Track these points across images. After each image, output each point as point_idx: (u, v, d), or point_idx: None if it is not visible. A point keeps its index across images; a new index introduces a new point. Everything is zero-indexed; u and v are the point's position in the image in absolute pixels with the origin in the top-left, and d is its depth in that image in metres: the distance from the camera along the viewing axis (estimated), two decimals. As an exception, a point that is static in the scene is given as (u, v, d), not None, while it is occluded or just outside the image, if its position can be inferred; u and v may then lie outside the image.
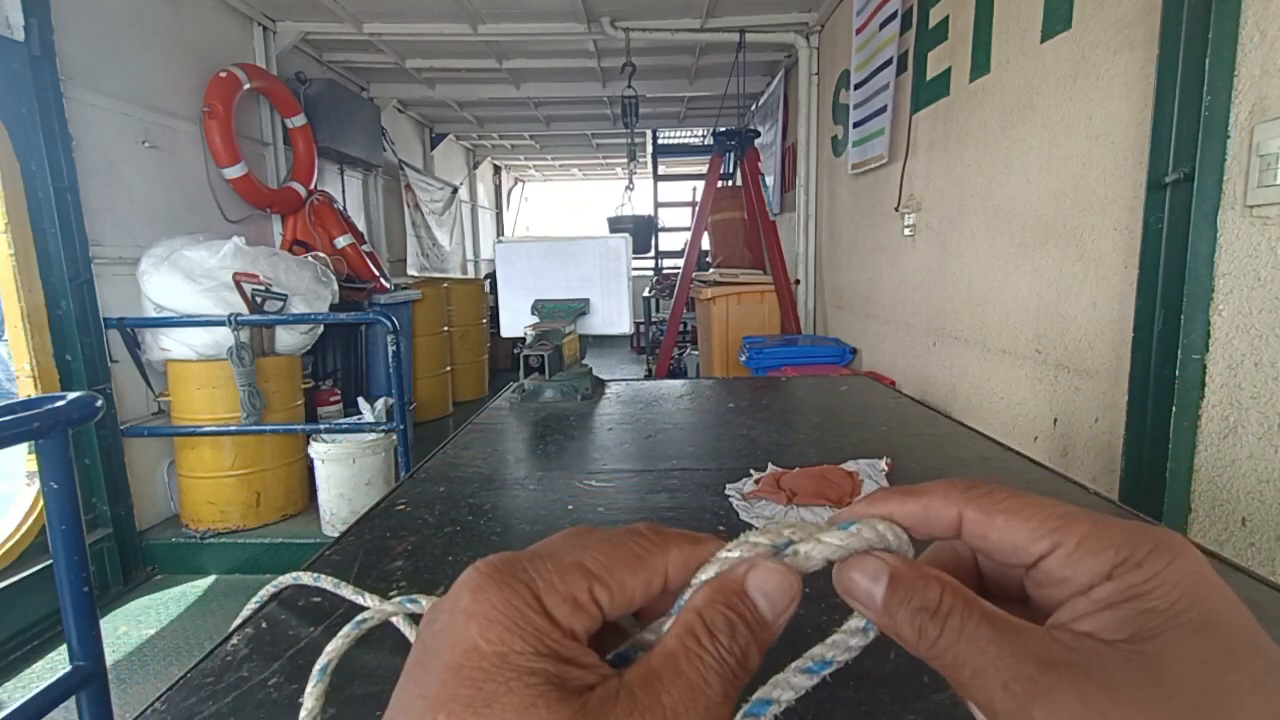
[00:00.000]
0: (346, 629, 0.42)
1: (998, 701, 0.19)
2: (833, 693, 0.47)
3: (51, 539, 1.23)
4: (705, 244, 5.34)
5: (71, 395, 1.24)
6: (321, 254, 3.92)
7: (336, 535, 0.78)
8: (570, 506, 0.84)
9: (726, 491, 0.86)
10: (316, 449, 2.97)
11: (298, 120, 4.23)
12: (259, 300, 3.00)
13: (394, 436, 3.07)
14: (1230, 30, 1.29)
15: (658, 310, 7.53)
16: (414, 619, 0.55)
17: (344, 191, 5.19)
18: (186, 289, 2.85)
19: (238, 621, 0.60)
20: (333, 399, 3.76)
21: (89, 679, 1.26)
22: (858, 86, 3.40)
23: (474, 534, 0.77)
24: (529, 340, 1.44)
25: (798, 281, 4.61)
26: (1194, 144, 1.35)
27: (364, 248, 4.59)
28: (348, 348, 4.05)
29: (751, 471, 0.92)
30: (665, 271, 8.59)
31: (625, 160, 7.70)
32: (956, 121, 2.50)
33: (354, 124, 4.88)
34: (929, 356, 2.79)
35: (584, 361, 1.62)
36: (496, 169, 10.44)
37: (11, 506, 2.60)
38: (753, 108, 6.36)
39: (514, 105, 6.60)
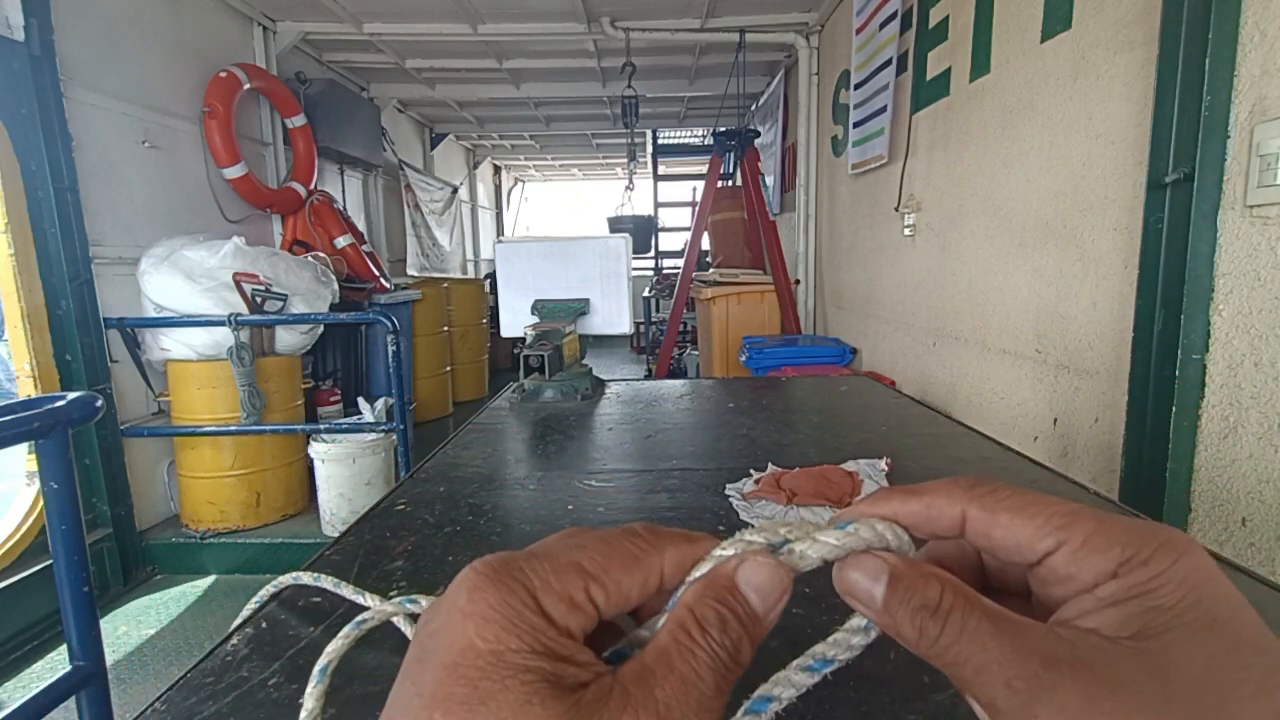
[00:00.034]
0: (346, 629, 0.42)
1: (1001, 699, 0.19)
2: (833, 693, 0.47)
3: (51, 539, 1.23)
4: (705, 244, 5.34)
5: (71, 395, 1.24)
6: (321, 254, 3.92)
7: (336, 535, 0.78)
8: (570, 506, 0.84)
9: (726, 491, 0.86)
10: (316, 449, 2.97)
11: (298, 120, 4.23)
12: (259, 300, 3.00)
13: (394, 436, 3.07)
14: (1230, 30, 1.29)
15: (658, 310, 7.53)
16: (414, 619, 0.55)
17: (344, 191, 5.19)
18: (186, 289, 2.85)
19: (238, 621, 0.60)
20: (333, 399, 3.76)
21: (89, 679, 1.26)
22: (858, 86, 3.40)
23: (474, 534, 0.77)
24: (529, 340, 1.44)
25: (798, 281, 4.61)
26: (1194, 144, 1.35)
27: (364, 248, 4.59)
28: (348, 348, 4.05)
29: (751, 471, 0.92)
30: (665, 271, 8.59)
31: (625, 160, 7.70)
32: (956, 121, 2.50)
33: (354, 124, 4.88)
34: (929, 356, 2.79)
35: (584, 361, 1.62)
36: (496, 169, 10.44)
37: (11, 506, 2.60)
38: (753, 108, 6.36)
39: (514, 105, 6.60)
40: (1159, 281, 1.45)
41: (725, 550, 0.23)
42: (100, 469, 2.81)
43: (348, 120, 4.77)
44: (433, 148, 7.44)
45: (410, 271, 6.42)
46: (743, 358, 3.77)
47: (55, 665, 2.34)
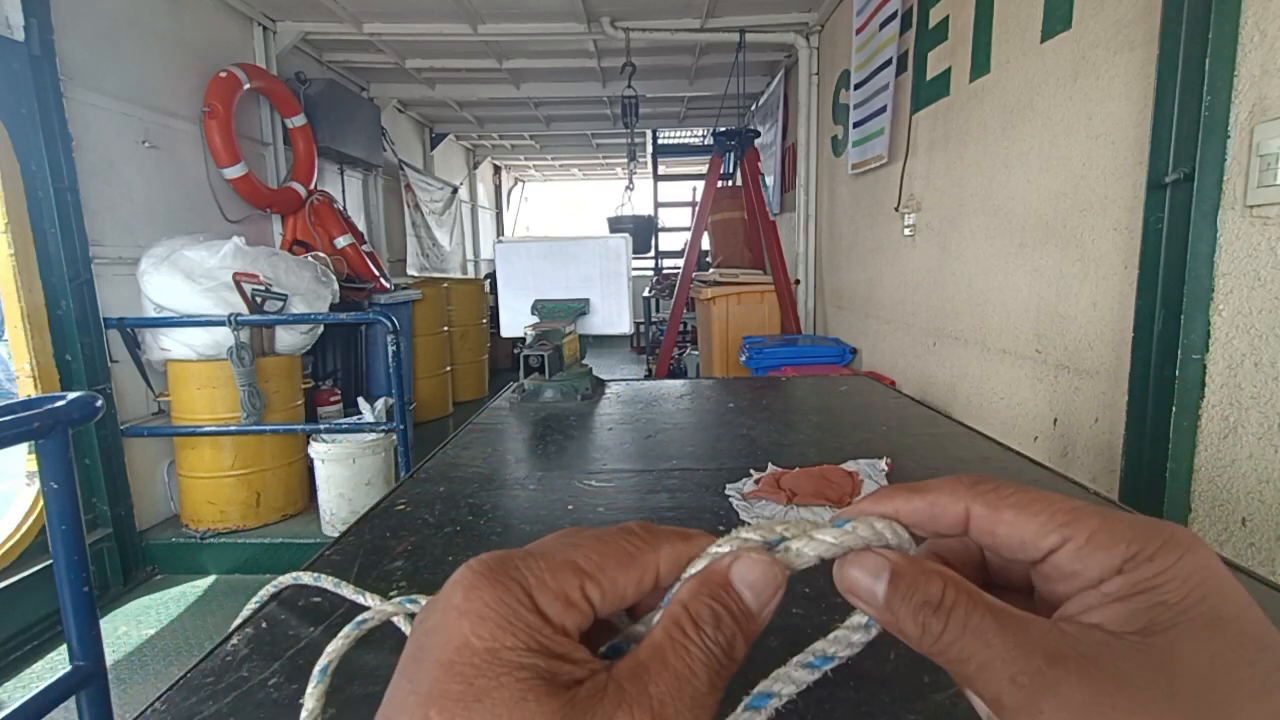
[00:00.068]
0: (347, 629, 0.42)
1: (1005, 695, 0.19)
2: (833, 692, 0.47)
3: (51, 539, 1.23)
4: (705, 244, 5.34)
5: (71, 395, 1.24)
6: (321, 254, 3.92)
7: (336, 535, 0.78)
8: (570, 506, 0.84)
9: (726, 491, 0.86)
10: (316, 449, 2.97)
11: (298, 120, 4.23)
12: (259, 300, 3.00)
13: (394, 436, 3.07)
14: (1230, 30, 1.29)
15: (658, 310, 7.53)
16: (414, 619, 0.55)
17: (344, 191, 5.19)
18: (186, 289, 2.85)
19: (238, 621, 0.60)
20: (333, 399, 3.76)
21: (89, 679, 1.26)
22: (858, 86, 3.40)
23: (474, 534, 0.77)
24: (529, 340, 1.44)
25: (798, 281, 4.61)
26: (1194, 144, 1.35)
27: (364, 248, 4.59)
28: (348, 348, 4.05)
29: (751, 471, 0.92)
30: (665, 271, 8.59)
31: (625, 160, 7.70)
32: (956, 121, 2.50)
33: (354, 124, 4.88)
34: (929, 356, 2.79)
35: (584, 361, 1.62)
36: (496, 169, 10.44)
37: (11, 506, 2.60)
38: (753, 108, 6.36)
39: (514, 105, 6.60)
40: (1159, 281, 1.45)
41: (721, 548, 0.23)
42: (100, 469, 2.81)
43: (348, 120, 4.77)
44: (433, 148, 7.44)
45: (410, 271, 6.42)
46: (743, 358, 3.77)
47: (55, 665, 2.34)
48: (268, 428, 3.01)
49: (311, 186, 4.33)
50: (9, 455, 2.06)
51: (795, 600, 0.59)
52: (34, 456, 2.00)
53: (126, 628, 2.54)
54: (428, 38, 4.44)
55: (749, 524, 0.23)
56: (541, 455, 1.07)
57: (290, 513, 3.21)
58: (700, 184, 7.28)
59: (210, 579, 2.95)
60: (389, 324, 2.97)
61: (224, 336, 2.86)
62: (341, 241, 4.38)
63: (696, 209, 5.61)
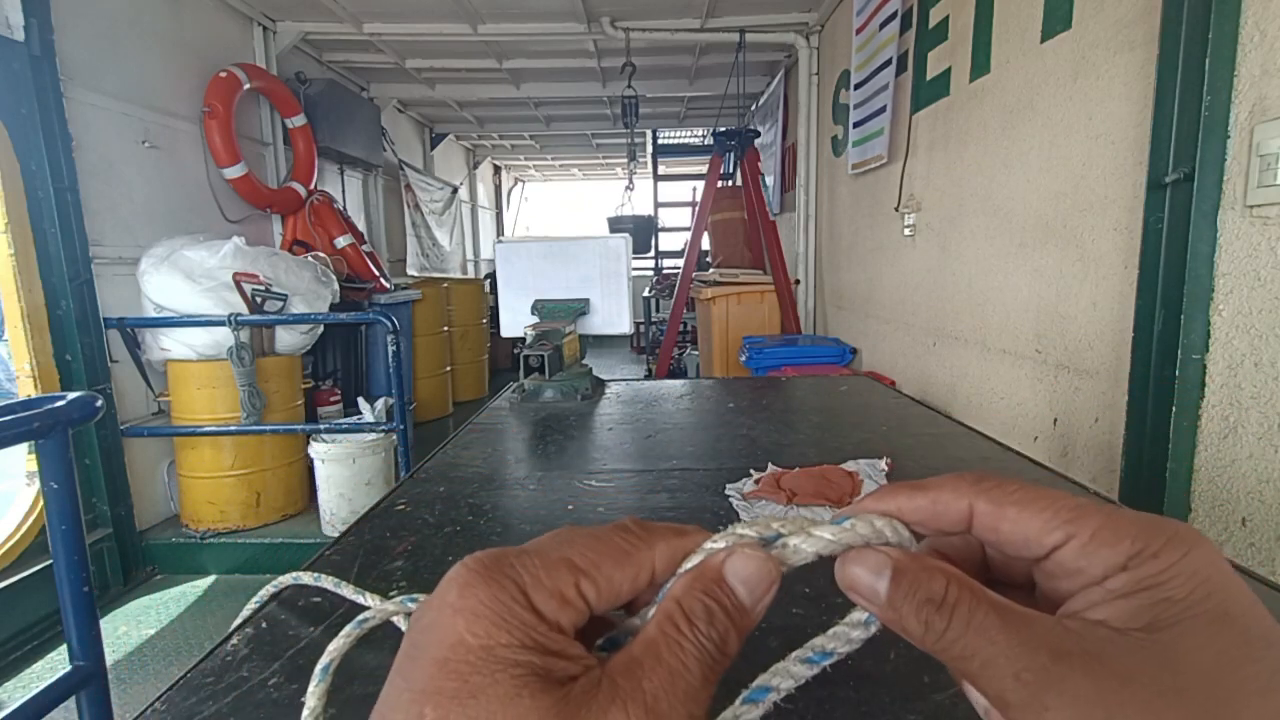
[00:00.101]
0: (348, 628, 0.42)
1: (1009, 692, 0.19)
2: (833, 692, 0.47)
3: (51, 539, 1.23)
4: (705, 244, 5.34)
5: (71, 395, 1.24)
6: (321, 254, 3.92)
7: (336, 535, 0.78)
8: (570, 506, 0.84)
9: (726, 491, 0.86)
10: (316, 449, 2.97)
11: (298, 120, 4.23)
12: (259, 300, 3.00)
13: (394, 436, 3.07)
14: (1230, 30, 1.29)
15: (658, 310, 7.53)
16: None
17: (344, 191, 5.19)
18: (186, 289, 2.85)
19: (238, 621, 0.60)
20: (333, 399, 3.76)
21: (89, 679, 1.26)
22: (858, 86, 3.40)
23: (474, 534, 0.77)
24: (529, 340, 1.44)
25: (798, 281, 4.61)
26: (1194, 144, 1.35)
27: (364, 248, 4.59)
28: (348, 348, 4.05)
29: (751, 471, 0.92)
30: (665, 271, 8.59)
31: (625, 160, 7.70)
32: (956, 121, 2.50)
33: (354, 124, 4.88)
34: (929, 356, 2.79)
35: (584, 361, 1.62)
36: (496, 169, 10.44)
37: (11, 506, 2.60)
38: (753, 108, 6.36)
39: (514, 105, 6.60)
40: (1159, 281, 1.45)
41: (716, 544, 0.23)
42: (100, 469, 2.81)
43: (348, 120, 4.77)
44: (433, 148, 7.44)
45: (410, 271, 6.42)
46: (743, 358, 3.77)
47: (55, 665, 2.34)
48: (268, 428, 3.01)
49: (311, 186, 4.33)
50: (9, 455, 2.06)
51: (795, 600, 0.59)
52: (34, 456, 2.00)
53: (126, 628, 2.54)
54: (428, 38, 4.44)
55: (745, 520, 0.23)
56: (541, 455, 1.07)
57: (290, 513, 3.21)
58: (700, 184, 7.29)
59: (210, 579, 2.95)
60: (389, 324, 2.97)
61: (224, 336, 2.86)
62: (341, 241, 4.39)
63: (696, 209, 5.61)
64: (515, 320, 1.67)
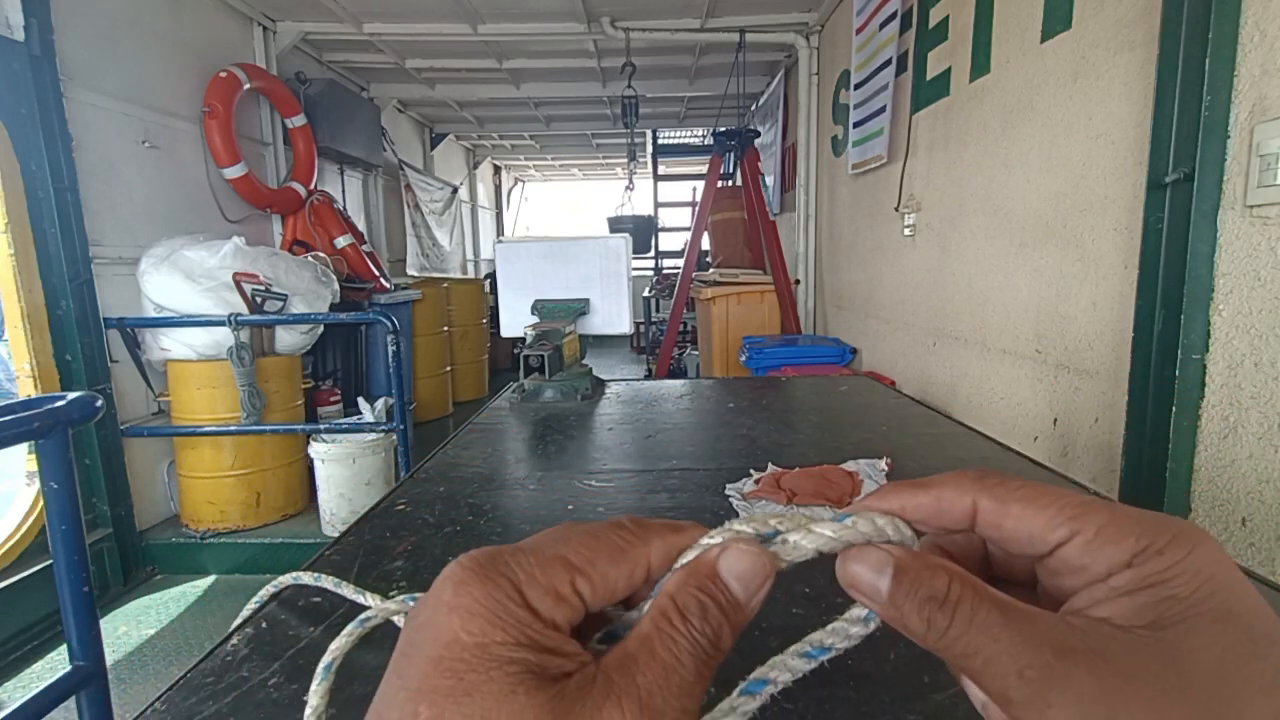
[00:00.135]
0: (350, 627, 0.42)
1: (1013, 689, 0.19)
2: (833, 692, 0.47)
3: (51, 539, 1.23)
4: (705, 244, 5.34)
5: (71, 395, 1.24)
6: (321, 254, 3.92)
7: (336, 535, 0.78)
8: (570, 506, 0.84)
9: (726, 491, 0.87)
10: (316, 449, 2.97)
11: (298, 120, 4.23)
12: (259, 300, 3.00)
13: (394, 436, 3.07)
14: (1230, 30, 1.29)
15: (658, 310, 7.53)
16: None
17: (344, 191, 5.19)
18: (186, 289, 2.85)
19: (238, 621, 0.60)
20: (333, 399, 3.76)
21: (89, 679, 1.26)
22: (858, 86, 3.40)
23: (474, 534, 0.77)
24: (529, 340, 1.44)
25: (798, 281, 4.61)
26: (1194, 144, 1.35)
27: (364, 248, 4.59)
28: (348, 348, 4.05)
29: (751, 471, 0.92)
30: (665, 271, 8.59)
31: (625, 160, 7.70)
32: (956, 121, 2.50)
33: (354, 124, 4.88)
34: (929, 356, 2.79)
35: (584, 361, 1.62)
36: (496, 169, 10.44)
37: (11, 506, 2.60)
38: (753, 108, 6.36)
39: (514, 105, 6.60)
40: (1159, 281, 1.45)
41: (712, 539, 0.23)
42: (100, 469, 2.81)
43: (348, 120, 4.77)
44: (433, 148, 7.44)
45: (410, 271, 6.42)
46: (743, 358, 3.77)
47: (55, 665, 2.34)
48: (268, 428, 3.01)
49: (311, 186, 4.33)
50: (9, 455, 2.06)
51: (795, 600, 0.59)
52: (34, 456, 2.00)
53: (126, 628, 2.54)
54: (428, 38, 4.44)
55: (743, 517, 0.23)
56: (541, 455, 1.07)
57: (290, 513, 3.21)
58: (700, 184, 7.29)
59: (210, 579, 2.95)
60: (389, 324, 2.97)
61: (224, 336, 2.86)
62: (341, 241, 4.38)
63: (696, 209, 5.61)
64: (515, 320, 1.67)
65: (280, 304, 3.07)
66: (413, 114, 6.90)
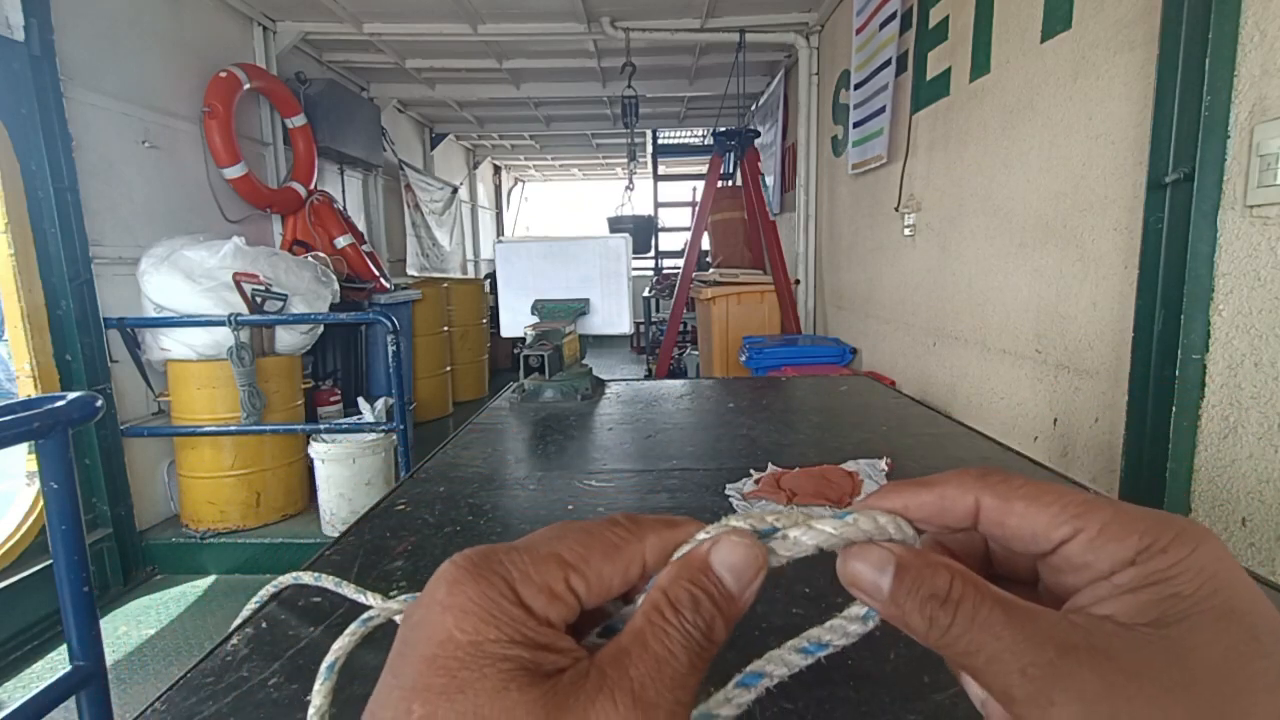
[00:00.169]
0: (353, 626, 0.42)
1: (1015, 687, 0.19)
2: (833, 692, 0.47)
3: (51, 539, 1.23)
4: (705, 244, 5.34)
5: (71, 395, 1.24)
6: (321, 254, 3.92)
7: (336, 535, 0.78)
8: (570, 506, 0.84)
9: (726, 491, 0.87)
10: (316, 449, 2.97)
11: (298, 120, 4.23)
12: (259, 300, 3.00)
13: (394, 436, 3.07)
14: (1230, 30, 1.29)
15: (658, 310, 7.53)
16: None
17: (344, 191, 5.19)
18: (186, 289, 2.85)
19: (238, 621, 0.60)
20: (333, 399, 3.76)
21: (89, 679, 1.26)
22: (858, 86, 3.40)
23: (474, 534, 0.77)
24: (529, 340, 1.44)
25: (798, 281, 4.61)
26: (1194, 144, 1.35)
27: (364, 248, 4.59)
28: (348, 348, 4.05)
29: (751, 471, 0.92)
30: (665, 271, 8.59)
31: (625, 160, 7.70)
32: (956, 121, 2.50)
33: (354, 124, 4.88)
34: (929, 356, 2.79)
35: (584, 361, 1.62)
36: (496, 169, 10.44)
37: (11, 506, 2.60)
38: (753, 108, 6.36)
39: (514, 105, 6.60)
40: (1159, 281, 1.45)
41: (707, 534, 0.23)
42: (100, 469, 2.81)
43: (348, 120, 4.77)
44: (433, 148, 7.44)
45: (410, 271, 6.42)
46: (743, 358, 3.77)
47: (55, 665, 2.34)
48: (268, 428, 3.01)
49: (311, 186, 4.33)
50: (9, 455, 2.06)
51: (795, 600, 0.59)
52: (34, 456, 2.00)
53: (126, 628, 2.54)
54: (428, 38, 4.44)
55: (740, 513, 0.23)
56: (541, 455, 1.07)
57: (290, 513, 3.21)
58: (700, 184, 7.29)
59: (210, 579, 2.95)
60: (389, 324, 2.97)
61: (224, 336, 2.86)
62: (341, 241, 4.38)
63: (696, 209, 5.61)
64: (515, 320, 1.67)
65: (280, 304, 3.07)
66: (413, 114, 6.91)
